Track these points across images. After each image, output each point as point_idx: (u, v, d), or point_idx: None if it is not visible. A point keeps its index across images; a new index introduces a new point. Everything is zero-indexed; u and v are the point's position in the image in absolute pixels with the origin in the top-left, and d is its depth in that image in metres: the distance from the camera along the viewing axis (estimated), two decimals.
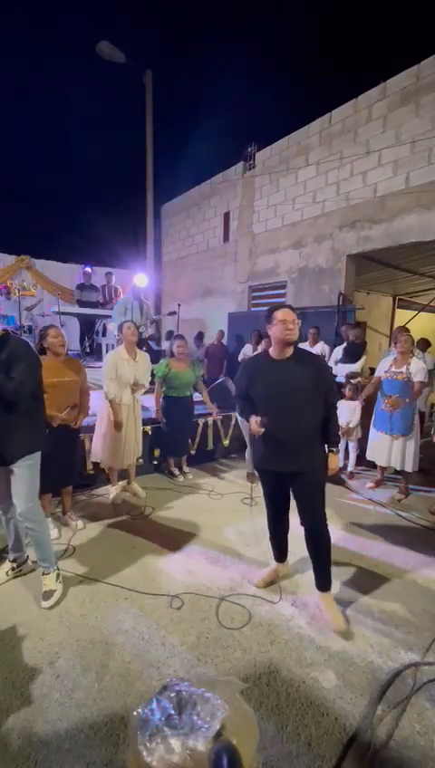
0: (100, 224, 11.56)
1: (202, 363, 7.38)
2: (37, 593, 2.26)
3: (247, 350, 6.95)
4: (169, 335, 7.90)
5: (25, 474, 2.18)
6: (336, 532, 2.74)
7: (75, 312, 7.01)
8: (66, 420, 2.84)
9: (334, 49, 13.42)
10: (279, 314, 2.08)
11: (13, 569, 2.45)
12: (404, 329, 4.48)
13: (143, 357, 3.67)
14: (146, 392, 3.81)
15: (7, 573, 2.43)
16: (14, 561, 2.46)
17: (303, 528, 2.20)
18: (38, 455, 2.24)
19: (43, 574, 2.30)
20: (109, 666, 1.83)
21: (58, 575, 2.34)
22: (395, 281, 8.64)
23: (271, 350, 2.18)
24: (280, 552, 2.50)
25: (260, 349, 6.69)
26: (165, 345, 6.94)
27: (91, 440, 3.75)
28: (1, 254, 9.18)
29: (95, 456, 3.63)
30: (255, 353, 3.07)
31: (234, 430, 5.03)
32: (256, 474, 2.55)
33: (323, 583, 2.21)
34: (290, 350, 2.13)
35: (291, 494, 2.25)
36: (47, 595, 2.23)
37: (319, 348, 6.14)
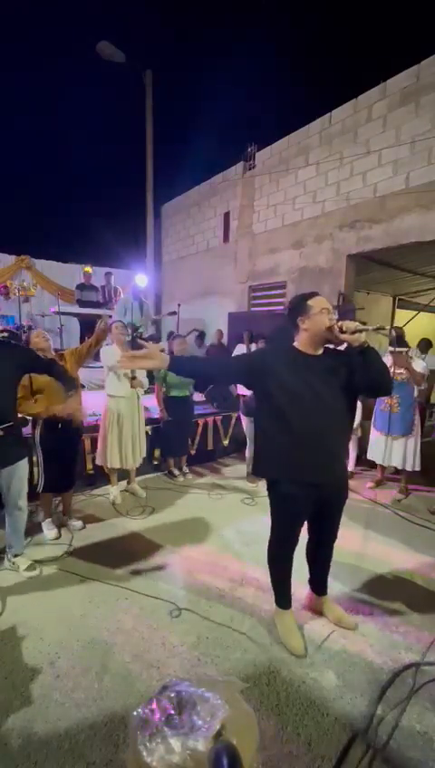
0: (100, 224, 11.57)
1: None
2: (37, 593, 2.28)
3: (240, 351, 6.93)
4: (170, 335, 7.90)
5: (26, 465, 2.50)
6: None
7: (75, 311, 7.02)
8: (74, 411, 2.82)
9: (334, 49, 13.42)
10: (317, 303, 1.79)
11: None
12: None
13: None
14: (146, 392, 3.80)
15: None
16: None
17: (311, 541, 2.14)
18: None
19: (16, 555, 2.53)
20: (109, 666, 1.83)
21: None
22: (395, 281, 8.62)
23: (299, 345, 1.87)
24: (289, 591, 2.10)
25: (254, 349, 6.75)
26: (163, 345, 6.93)
27: (91, 440, 3.75)
28: (1, 254, 9.16)
29: (99, 458, 3.62)
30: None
31: (234, 430, 5.04)
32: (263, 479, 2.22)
33: (325, 588, 2.21)
34: (322, 347, 1.87)
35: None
36: (31, 567, 2.50)
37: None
